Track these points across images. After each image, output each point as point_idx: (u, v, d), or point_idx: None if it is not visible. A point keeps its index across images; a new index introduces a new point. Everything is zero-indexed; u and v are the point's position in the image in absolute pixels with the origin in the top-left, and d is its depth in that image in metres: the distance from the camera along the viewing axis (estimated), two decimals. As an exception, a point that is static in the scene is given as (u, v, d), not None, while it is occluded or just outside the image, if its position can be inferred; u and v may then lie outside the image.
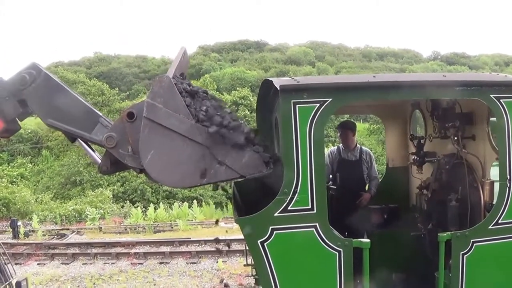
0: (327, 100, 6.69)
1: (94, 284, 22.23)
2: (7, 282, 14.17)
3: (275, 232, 6.72)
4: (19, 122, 7.29)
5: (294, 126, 6.66)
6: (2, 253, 14.81)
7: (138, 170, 6.82)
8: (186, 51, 8.22)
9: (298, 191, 6.68)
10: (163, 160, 6.57)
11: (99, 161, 7.16)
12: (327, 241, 6.79)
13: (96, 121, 6.99)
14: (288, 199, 6.67)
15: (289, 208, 6.68)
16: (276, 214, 6.70)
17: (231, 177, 6.86)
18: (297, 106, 6.65)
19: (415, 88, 7.27)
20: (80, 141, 7.18)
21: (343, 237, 6.97)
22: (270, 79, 7.39)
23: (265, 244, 6.73)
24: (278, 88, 6.73)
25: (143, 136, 6.49)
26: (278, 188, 6.83)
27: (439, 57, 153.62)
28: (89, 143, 7.30)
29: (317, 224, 6.77)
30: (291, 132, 6.66)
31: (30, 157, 70.09)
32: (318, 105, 6.67)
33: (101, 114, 7.20)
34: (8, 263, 14.74)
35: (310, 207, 6.73)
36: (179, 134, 6.53)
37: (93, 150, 7.51)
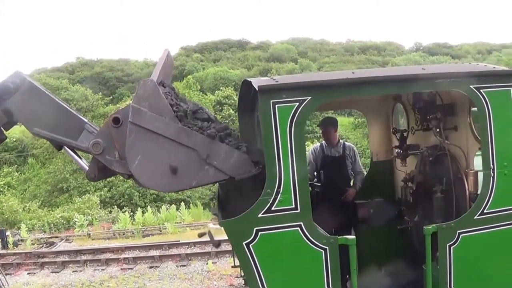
0: (306, 99, 6.66)
1: (84, 291, 22.19)
2: None
3: (260, 233, 6.69)
4: (5, 132, 7.26)
5: (274, 126, 6.62)
6: None
7: (126, 176, 6.80)
8: (170, 53, 8.20)
9: (281, 191, 6.65)
10: (151, 165, 6.58)
11: (87, 168, 7.15)
12: (312, 239, 6.77)
13: (82, 128, 6.99)
14: (272, 199, 6.64)
15: (272, 208, 6.65)
16: (260, 215, 6.66)
17: (220, 179, 6.87)
18: (276, 106, 6.62)
19: (395, 83, 7.28)
20: (67, 148, 7.16)
21: (328, 235, 6.94)
22: (249, 79, 7.36)
23: (250, 245, 6.71)
24: (257, 89, 6.70)
25: (130, 141, 6.48)
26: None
27: (421, 48, 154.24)
28: (76, 150, 7.28)
29: (301, 223, 6.75)
30: (271, 132, 6.63)
31: (16, 165, 69.70)
32: (297, 104, 6.64)
33: (86, 120, 7.20)
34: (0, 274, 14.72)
35: (293, 206, 6.71)
36: (165, 138, 6.54)
37: (80, 157, 7.48)
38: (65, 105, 7.19)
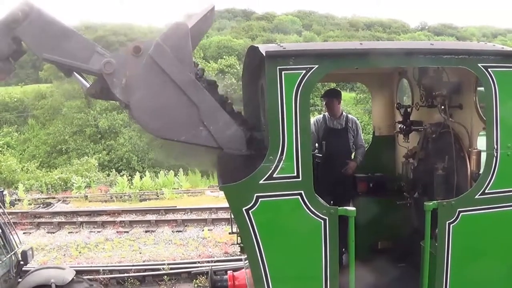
0: (313, 67, 6.58)
1: (79, 252, 22.25)
2: (13, 252, 14.17)
3: (260, 199, 6.65)
4: (13, 62, 7.21)
5: (279, 93, 6.54)
6: (7, 222, 14.74)
7: (123, 105, 6.76)
8: (214, 9, 8.11)
9: (283, 159, 6.59)
10: (150, 103, 6.60)
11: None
12: (312, 209, 6.73)
13: (93, 51, 6.91)
14: (274, 166, 6.59)
15: (274, 175, 6.60)
16: (261, 182, 6.62)
17: (209, 144, 6.82)
18: (283, 72, 6.54)
19: (402, 56, 7.19)
20: (76, 74, 7.11)
21: (328, 205, 6.91)
22: (256, 45, 7.27)
23: (250, 211, 6.66)
24: (264, 54, 6.62)
25: (140, 73, 6.52)
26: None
27: (427, 27, 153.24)
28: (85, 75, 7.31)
29: (302, 191, 6.70)
30: (276, 99, 6.55)
31: (16, 126, 69.71)
32: (304, 71, 6.57)
33: (97, 44, 7.11)
34: (14, 233, 14.71)
35: (295, 174, 6.66)
36: (175, 84, 6.55)
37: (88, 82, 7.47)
38: (75, 30, 7.13)
